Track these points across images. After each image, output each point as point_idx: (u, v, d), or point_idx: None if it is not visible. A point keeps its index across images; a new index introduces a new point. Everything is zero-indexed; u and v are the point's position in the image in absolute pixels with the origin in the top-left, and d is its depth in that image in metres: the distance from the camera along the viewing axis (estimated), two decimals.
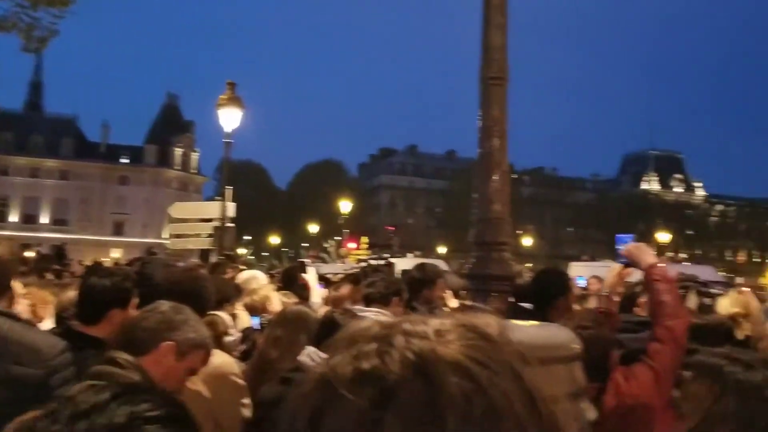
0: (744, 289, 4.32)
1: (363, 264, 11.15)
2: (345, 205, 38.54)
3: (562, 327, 1.99)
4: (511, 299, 3.74)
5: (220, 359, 2.47)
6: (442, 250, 50.36)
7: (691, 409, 1.52)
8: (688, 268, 7.30)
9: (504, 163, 3.66)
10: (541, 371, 0.57)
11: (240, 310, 4.04)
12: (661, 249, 49.03)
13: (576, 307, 3.91)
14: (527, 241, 55.58)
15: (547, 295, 3.18)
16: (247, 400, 2.52)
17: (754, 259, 71.30)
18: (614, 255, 3.24)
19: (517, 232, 54.29)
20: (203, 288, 2.84)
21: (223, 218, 11.96)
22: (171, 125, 61.63)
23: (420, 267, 4.06)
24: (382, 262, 10.93)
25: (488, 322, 0.59)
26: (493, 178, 3.61)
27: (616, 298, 3.08)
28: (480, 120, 3.74)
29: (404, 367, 0.52)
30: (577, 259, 23.66)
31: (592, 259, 22.75)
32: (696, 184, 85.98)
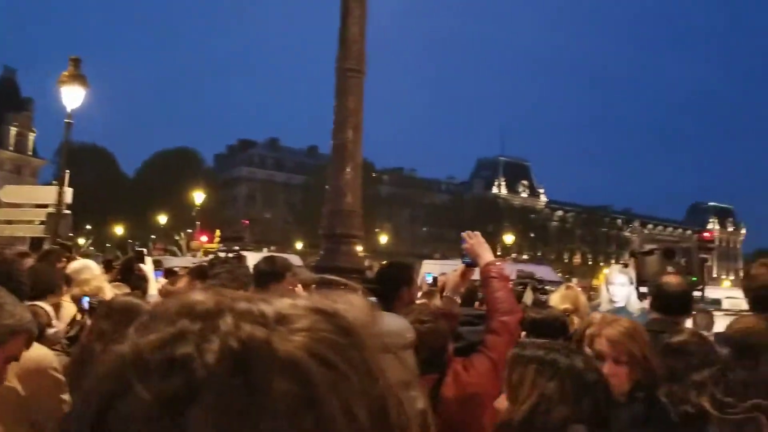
0: (573, 285, 4.67)
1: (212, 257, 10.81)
2: (198, 196, 37.23)
3: (396, 316, 2.03)
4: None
5: (37, 352, 2.30)
6: (300, 245, 50.20)
7: (525, 394, 1.67)
8: (528, 267, 7.80)
9: (358, 156, 3.67)
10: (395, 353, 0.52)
11: (67, 300, 3.79)
12: (506, 249, 52.30)
13: (424, 301, 4.04)
14: (384, 239, 56.89)
15: (392, 286, 3.27)
16: (67, 396, 2.33)
17: (588, 262, 78.24)
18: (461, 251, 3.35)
19: (375, 230, 55.34)
20: (15, 275, 2.64)
21: (59, 204, 11.16)
22: (6, 102, 56.16)
23: (269, 260, 3.97)
24: (232, 254, 10.66)
25: (353, 306, 0.50)
26: (347, 170, 3.61)
27: (457, 298, 3.20)
28: (335, 111, 3.73)
29: (221, 360, 0.42)
30: (431, 257, 24.52)
31: (444, 257, 23.69)
32: (540, 191, 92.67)
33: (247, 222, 45.16)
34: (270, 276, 3.82)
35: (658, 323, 3.29)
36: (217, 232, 28.79)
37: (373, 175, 58.65)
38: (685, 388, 2.28)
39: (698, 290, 4.58)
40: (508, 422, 1.69)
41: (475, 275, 3.20)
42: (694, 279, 4.56)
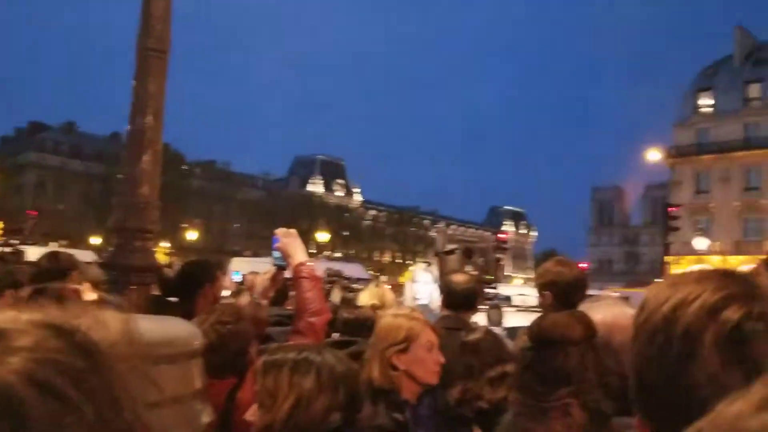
0: (381, 283, 4.78)
1: None
2: None
3: (183, 321, 1.87)
4: (156, 292, 3.54)
5: None
6: (96, 240, 46.36)
7: (283, 395, 1.70)
8: (337, 266, 7.90)
9: (157, 143, 3.41)
10: (150, 372, 0.44)
11: None
12: (320, 247, 52.91)
13: (231, 300, 3.87)
14: (192, 235, 54.56)
15: (193, 285, 3.12)
16: None
17: (397, 260, 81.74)
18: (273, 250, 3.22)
19: (183, 225, 52.81)
20: None
21: None
22: None
23: (51, 256, 3.56)
24: (8, 249, 9.50)
25: (103, 320, 0.42)
26: (144, 158, 3.33)
27: (265, 302, 3.10)
28: (134, 93, 3.43)
29: None
30: (241, 255, 23.95)
31: (256, 255, 23.26)
32: (355, 190, 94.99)
33: (35, 213, 40.85)
34: (52, 274, 3.42)
35: (448, 320, 3.43)
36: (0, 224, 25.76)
37: (183, 167, 55.97)
38: (480, 384, 2.38)
39: (491, 287, 4.91)
40: (270, 426, 1.70)
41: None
42: (491, 277, 4.87)
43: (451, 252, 4.43)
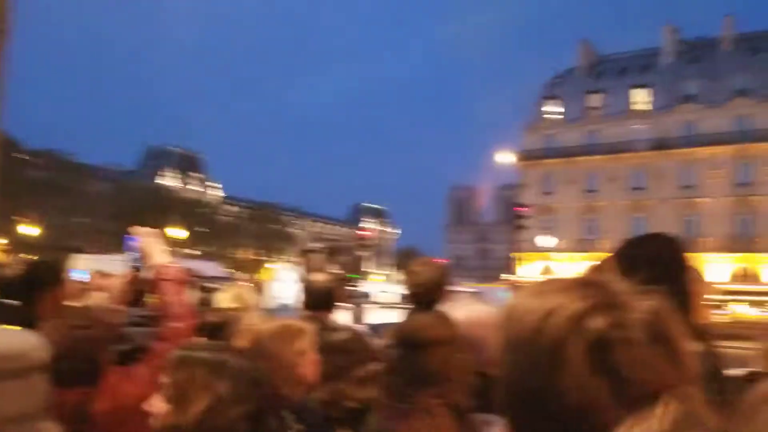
0: (242, 283, 4.66)
1: None
2: None
3: (21, 332, 1.72)
4: None
5: None
6: None
7: (194, 395, 1.63)
8: (194, 264, 7.60)
9: None
10: None
11: None
12: (175, 245, 50.71)
13: (75, 303, 3.62)
14: (29, 230, 50.16)
15: (36, 287, 2.90)
16: None
17: (256, 257, 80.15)
18: (127, 249, 3.03)
19: (18, 218, 48.43)
20: None
21: None
22: None
23: None
24: None
25: None
26: None
27: (121, 307, 2.92)
28: None
29: None
30: (85, 251, 22.39)
31: (102, 252, 21.83)
32: (214, 185, 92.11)
33: None
34: None
35: (306, 320, 3.47)
36: None
37: (19, 156, 51.19)
38: (348, 384, 2.41)
39: (353, 285, 4.98)
40: (176, 426, 1.62)
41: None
42: (354, 276, 4.93)
43: (316, 250, 4.42)
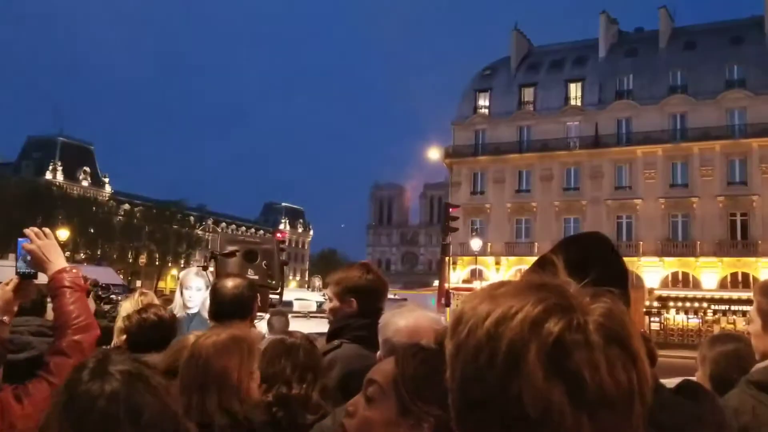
0: (146, 291, 4.54)
1: None
2: None
3: None
4: None
5: None
6: None
7: None
8: (88, 270, 7.33)
9: None
10: None
11: None
12: (61, 247, 48.36)
13: None
14: None
15: None
16: None
17: (155, 262, 77.70)
18: (12, 250, 2.88)
19: None
20: None
21: None
22: None
23: None
24: None
25: None
26: None
27: (7, 318, 2.78)
28: None
29: None
30: None
31: None
32: (104, 179, 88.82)
33: None
34: None
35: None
36: None
37: None
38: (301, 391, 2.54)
39: (277, 293, 4.93)
40: None
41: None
42: (273, 282, 4.88)
43: (231, 254, 4.32)
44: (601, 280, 0.90)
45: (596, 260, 1.43)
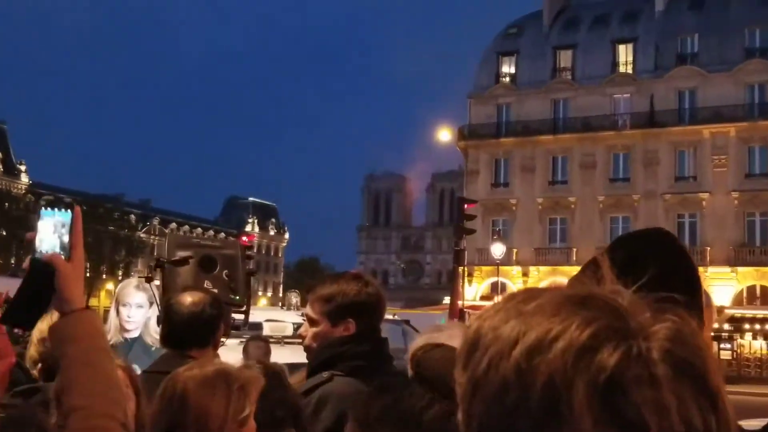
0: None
1: None
2: None
3: None
4: None
5: None
6: None
7: None
8: (0, 283, 7.32)
9: None
10: None
11: None
12: None
13: None
14: None
15: None
16: None
17: (85, 273, 77.63)
18: None
19: None
20: None
21: None
22: None
23: None
24: None
25: None
26: None
27: None
28: None
29: None
30: None
31: None
32: (20, 167, 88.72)
33: None
34: None
35: (167, 362, 3.37)
36: None
37: None
38: None
39: (242, 312, 4.90)
40: None
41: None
42: (237, 297, 4.86)
43: (183, 261, 4.29)
44: (660, 282, 0.89)
45: (653, 258, 1.41)
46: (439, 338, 2.41)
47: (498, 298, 1.00)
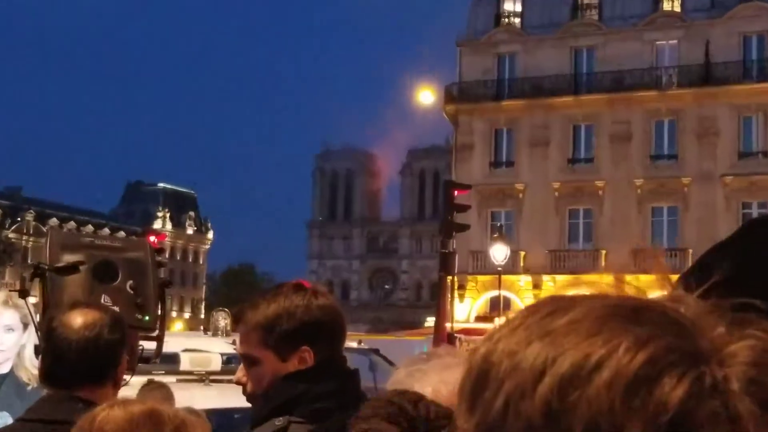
0: None
1: None
2: None
3: None
4: None
5: None
6: None
7: None
8: None
9: None
10: None
11: None
12: None
13: None
14: None
15: None
16: None
17: None
18: None
19: None
20: None
21: None
22: None
23: None
24: None
25: None
26: None
27: None
28: None
29: None
30: None
31: None
32: None
33: None
34: None
35: (48, 406, 3.45)
36: None
37: None
38: None
39: (153, 338, 4.85)
40: None
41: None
42: (146, 318, 4.82)
43: (71, 268, 4.24)
44: (735, 284, 0.86)
45: (732, 245, 1.39)
46: (425, 372, 2.46)
47: (503, 318, 0.93)
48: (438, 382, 2.36)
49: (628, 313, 0.79)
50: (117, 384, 3.74)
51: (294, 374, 3.14)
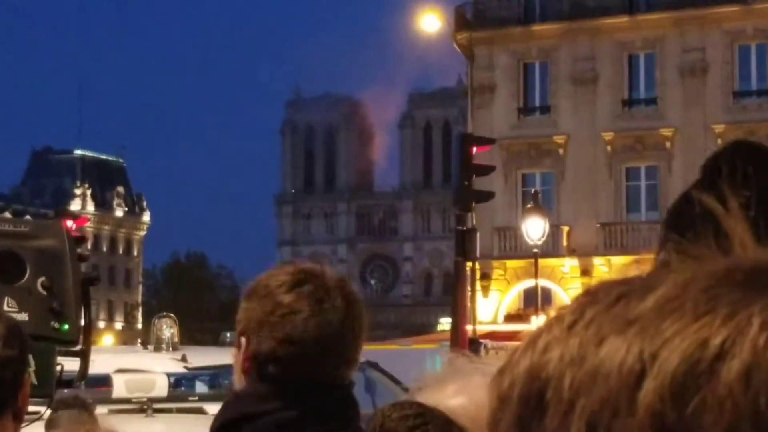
0: None
1: None
2: None
3: None
4: None
5: None
6: None
7: None
8: None
9: None
10: None
11: None
12: None
13: None
14: None
15: None
16: None
17: None
18: None
19: None
20: None
21: None
22: None
23: None
24: None
25: None
26: None
27: None
28: None
29: None
30: None
31: None
32: None
33: None
34: None
35: None
36: None
37: None
38: None
39: (76, 354, 4.85)
40: None
41: None
42: (65, 326, 4.82)
43: None
44: None
45: None
46: (443, 397, 2.57)
47: (543, 316, 0.84)
48: (460, 392, 2.42)
49: (746, 277, 0.75)
50: (18, 417, 3.76)
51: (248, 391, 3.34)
